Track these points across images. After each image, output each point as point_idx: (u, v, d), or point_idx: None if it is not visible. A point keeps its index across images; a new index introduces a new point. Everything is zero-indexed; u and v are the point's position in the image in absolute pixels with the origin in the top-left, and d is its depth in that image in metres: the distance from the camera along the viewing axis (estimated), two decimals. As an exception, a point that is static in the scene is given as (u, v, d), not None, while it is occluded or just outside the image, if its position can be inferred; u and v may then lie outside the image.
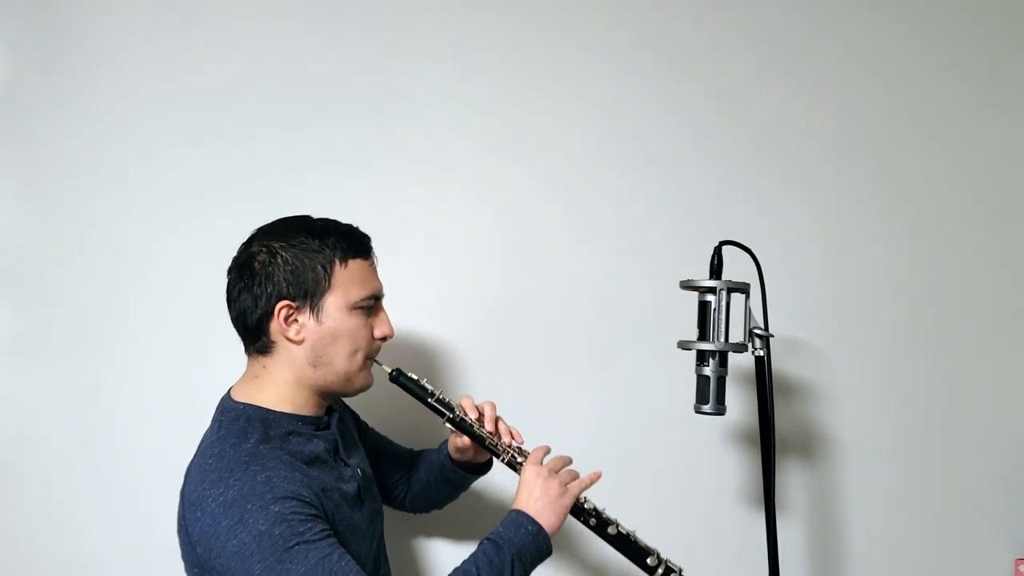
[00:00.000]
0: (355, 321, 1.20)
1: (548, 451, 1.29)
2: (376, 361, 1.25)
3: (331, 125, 1.66)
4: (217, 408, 1.22)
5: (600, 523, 1.27)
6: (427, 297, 1.67)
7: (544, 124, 1.71)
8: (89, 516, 1.59)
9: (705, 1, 1.76)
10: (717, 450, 1.74)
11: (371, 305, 1.23)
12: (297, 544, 1.05)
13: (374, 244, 1.26)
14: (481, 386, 1.68)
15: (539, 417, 1.69)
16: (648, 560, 1.27)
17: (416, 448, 1.54)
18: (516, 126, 1.71)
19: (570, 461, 1.28)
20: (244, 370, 1.24)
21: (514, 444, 1.30)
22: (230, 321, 1.22)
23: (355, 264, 1.20)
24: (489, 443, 1.29)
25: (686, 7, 1.75)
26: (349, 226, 1.23)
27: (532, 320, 1.71)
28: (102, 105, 1.60)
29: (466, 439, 1.31)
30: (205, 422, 1.24)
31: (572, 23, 1.72)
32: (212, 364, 1.58)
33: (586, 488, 1.26)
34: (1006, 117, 1.82)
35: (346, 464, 1.25)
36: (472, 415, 1.30)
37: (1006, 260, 1.82)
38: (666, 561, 1.29)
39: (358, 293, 1.20)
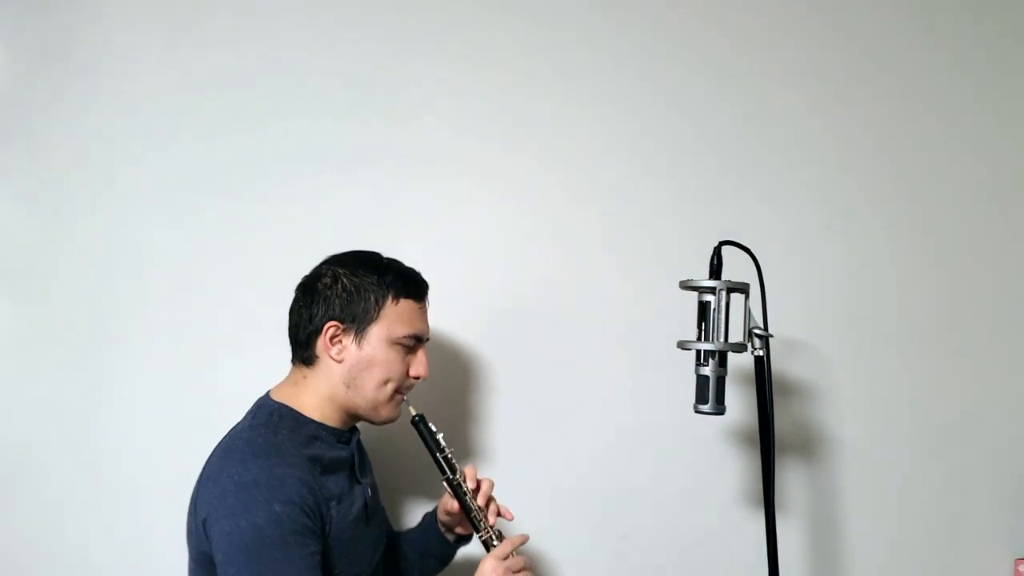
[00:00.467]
0: (392, 354, 1.29)
1: (523, 542, 1.31)
2: (406, 400, 1.34)
3: (336, 121, 1.66)
4: (255, 404, 1.31)
5: None
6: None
7: (544, 124, 1.71)
8: (88, 517, 1.58)
9: (708, 2, 1.76)
10: (716, 450, 1.74)
11: (412, 345, 1.32)
12: (279, 552, 1.13)
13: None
14: (480, 385, 1.68)
15: (539, 417, 1.71)
16: None
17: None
18: (516, 126, 1.71)
19: (525, 569, 1.29)
20: (286, 376, 1.33)
21: (495, 527, 1.34)
22: (286, 331, 1.32)
23: (406, 304, 1.30)
24: (474, 516, 1.34)
25: (688, 7, 1.75)
26: (411, 269, 1.34)
27: (532, 320, 1.71)
28: (102, 105, 1.61)
29: (456, 504, 1.36)
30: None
31: (573, 22, 1.72)
32: (212, 364, 1.60)
33: None
34: (1011, 117, 1.82)
35: (359, 481, 1.33)
36: (470, 484, 1.35)
37: (1006, 260, 1.82)
38: None
39: (402, 330, 1.29)
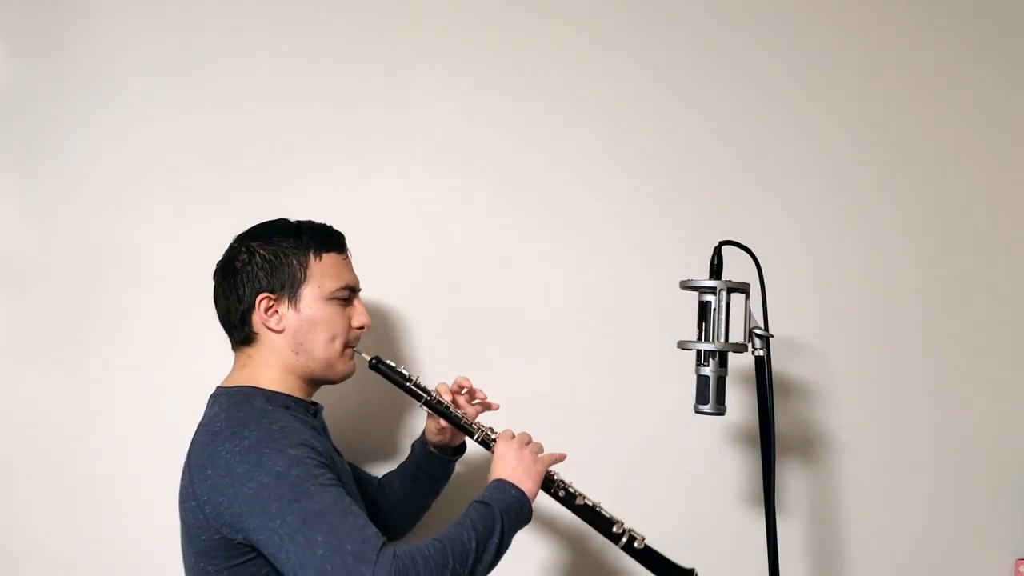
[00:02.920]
0: (331, 310, 1.28)
1: (513, 433, 1.35)
2: (356, 350, 1.33)
3: (337, 115, 1.66)
4: (211, 398, 1.28)
5: (568, 496, 1.35)
6: (423, 295, 1.67)
7: (544, 122, 1.71)
8: (82, 518, 1.58)
9: (708, 1, 1.76)
10: (717, 450, 1.74)
11: (347, 296, 1.30)
12: (313, 485, 1.09)
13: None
14: (479, 385, 1.68)
15: (539, 417, 1.70)
16: (614, 528, 1.34)
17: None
18: (517, 124, 1.71)
19: (534, 441, 1.35)
20: (232, 365, 1.30)
21: (485, 424, 1.37)
22: (218, 320, 1.29)
23: (329, 258, 1.29)
24: (464, 423, 1.36)
25: (693, 5, 1.75)
26: (323, 224, 1.32)
27: (532, 320, 1.71)
28: (99, 103, 1.60)
29: (443, 421, 1.38)
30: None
31: (576, 20, 1.72)
32: (212, 364, 1.59)
33: (555, 461, 1.35)
34: (1007, 118, 1.82)
35: (336, 451, 1.32)
36: (447, 398, 1.38)
37: (1006, 260, 1.82)
38: (629, 530, 1.35)
39: (332, 284, 1.28)
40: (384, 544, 1.07)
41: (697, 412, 1.34)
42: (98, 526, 1.59)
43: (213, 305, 1.30)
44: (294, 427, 1.17)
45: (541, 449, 1.33)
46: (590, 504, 1.35)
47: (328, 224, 1.32)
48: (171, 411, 1.58)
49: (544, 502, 1.35)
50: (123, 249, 1.61)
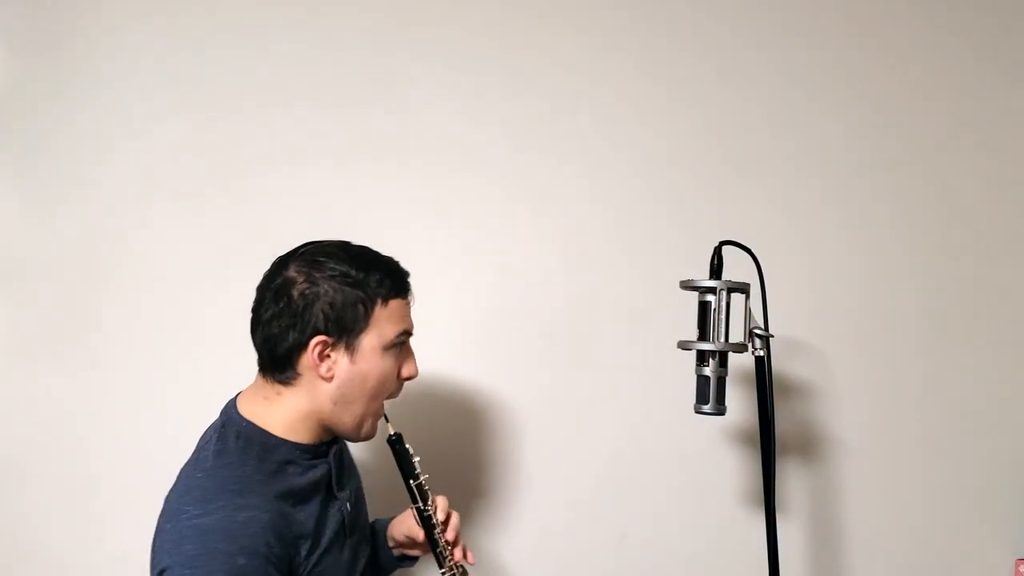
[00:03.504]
0: (388, 363, 1.17)
1: None
2: (385, 415, 1.24)
3: (339, 115, 1.65)
4: (221, 415, 1.20)
5: None
6: (422, 296, 1.67)
7: (544, 123, 1.71)
8: (81, 520, 1.58)
9: (708, 1, 1.76)
10: (717, 450, 1.74)
11: (403, 341, 1.20)
12: None
13: (372, 241, 1.25)
14: (479, 386, 1.68)
15: (538, 417, 1.70)
16: None
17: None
18: (518, 123, 1.70)
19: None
20: (253, 383, 1.20)
21: (459, 565, 1.28)
22: (251, 337, 1.17)
23: (395, 304, 1.17)
24: (440, 551, 1.26)
25: (695, 5, 1.75)
26: (392, 261, 1.20)
27: (532, 320, 1.70)
28: (99, 103, 1.60)
29: (422, 533, 1.28)
30: (200, 426, 1.23)
31: (578, 19, 1.72)
32: (212, 365, 1.59)
33: None
34: (1007, 119, 1.82)
35: (335, 497, 1.22)
36: (441, 516, 1.28)
37: (1006, 260, 1.82)
38: None
39: (393, 331, 1.16)
40: None
41: (697, 412, 1.34)
42: (98, 526, 1.58)
43: (250, 324, 1.16)
44: (262, 523, 1.06)
45: None
46: None
47: (396, 261, 1.21)
48: (171, 411, 1.58)
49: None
50: (124, 249, 1.61)
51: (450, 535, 1.27)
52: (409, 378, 1.22)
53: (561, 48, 1.72)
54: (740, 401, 1.66)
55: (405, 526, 1.33)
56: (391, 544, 1.38)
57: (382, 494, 1.41)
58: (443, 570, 1.27)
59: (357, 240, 1.29)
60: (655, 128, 1.74)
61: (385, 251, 1.23)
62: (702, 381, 1.34)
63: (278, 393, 1.16)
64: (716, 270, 1.35)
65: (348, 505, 1.24)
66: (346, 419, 1.17)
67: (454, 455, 1.57)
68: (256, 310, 1.16)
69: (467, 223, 1.69)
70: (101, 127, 1.60)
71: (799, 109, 1.78)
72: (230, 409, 1.19)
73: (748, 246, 1.35)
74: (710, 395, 1.33)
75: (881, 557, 1.78)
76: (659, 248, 1.73)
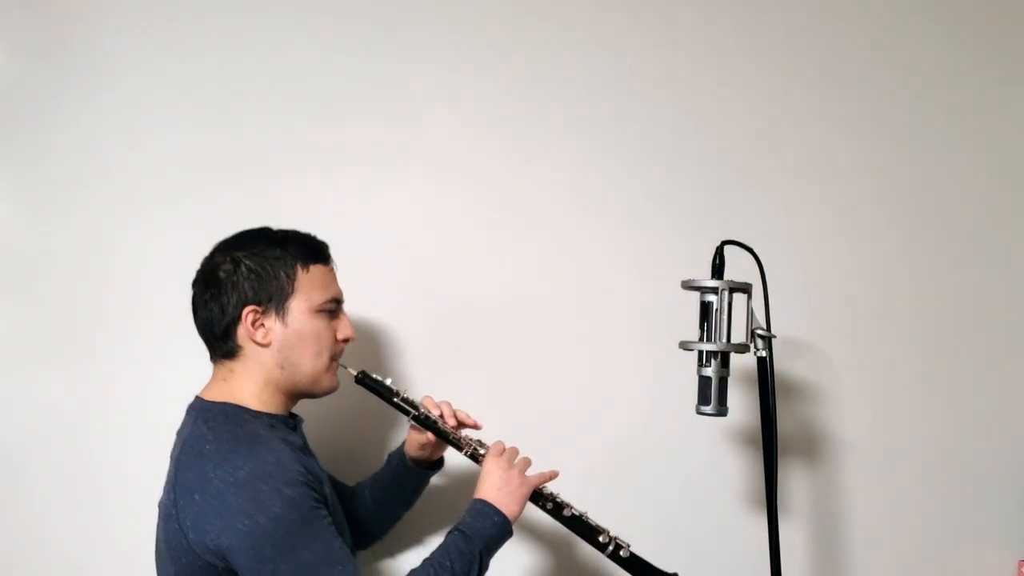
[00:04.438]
0: (319, 323, 1.26)
1: (504, 446, 1.35)
2: (341, 364, 1.32)
3: (334, 119, 1.65)
4: (189, 411, 1.26)
5: (556, 507, 1.35)
6: (423, 296, 1.67)
7: (544, 123, 1.71)
8: (81, 519, 1.58)
9: (708, 3, 1.75)
10: (719, 451, 1.74)
11: (333, 308, 1.29)
12: (308, 532, 1.11)
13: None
14: (480, 387, 1.68)
15: (539, 418, 1.70)
16: (600, 538, 1.36)
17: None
18: (516, 125, 1.70)
19: (523, 456, 1.35)
20: (210, 378, 1.28)
21: (475, 437, 1.37)
22: (195, 327, 1.27)
23: (316, 269, 1.27)
24: (453, 437, 1.36)
25: (693, 6, 1.75)
26: (308, 234, 1.29)
27: (532, 320, 1.70)
28: (98, 103, 1.60)
29: (429, 435, 1.37)
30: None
31: (577, 21, 1.72)
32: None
33: (544, 481, 1.35)
34: (1011, 118, 1.82)
35: (320, 467, 1.31)
36: (435, 412, 1.38)
37: (1008, 260, 1.82)
38: (615, 538, 1.37)
39: (320, 296, 1.26)
40: None
41: (699, 413, 1.34)
42: (99, 526, 1.59)
43: (192, 317, 1.27)
44: (288, 459, 1.15)
45: (528, 465, 1.34)
46: (577, 514, 1.37)
47: (313, 234, 1.30)
48: (171, 412, 1.57)
49: (531, 511, 1.35)
50: (124, 249, 1.61)
51: (451, 421, 1.38)
52: (346, 340, 1.30)
53: (561, 50, 1.72)
54: (742, 402, 1.65)
55: (413, 441, 1.41)
56: (413, 465, 1.44)
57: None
58: (463, 450, 1.36)
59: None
60: (656, 128, 1.74)
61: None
62: (704, 382, 1.33)
63: (231, 371, 1.25)
64: (718, 270, 1.35)
65: (326, 471, 1.34)
66: (299, 379, 1.25)
67: (455, 456, 1.57)
68: (194, 301, 1.27)
69: (467, 225, 1.69)
70: (101, 128, 1.60)
71: (801, 109, 1.77)
72: (196, 403, 1.26)
73: (750, 246, 1.35)
74: (712, 396, 1.32)
75: (883, 557, 1.77)
76: (660, 248, 1.73)
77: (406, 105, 1.67)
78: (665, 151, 1.74)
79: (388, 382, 1.36)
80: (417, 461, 1.44)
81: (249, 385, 1.24)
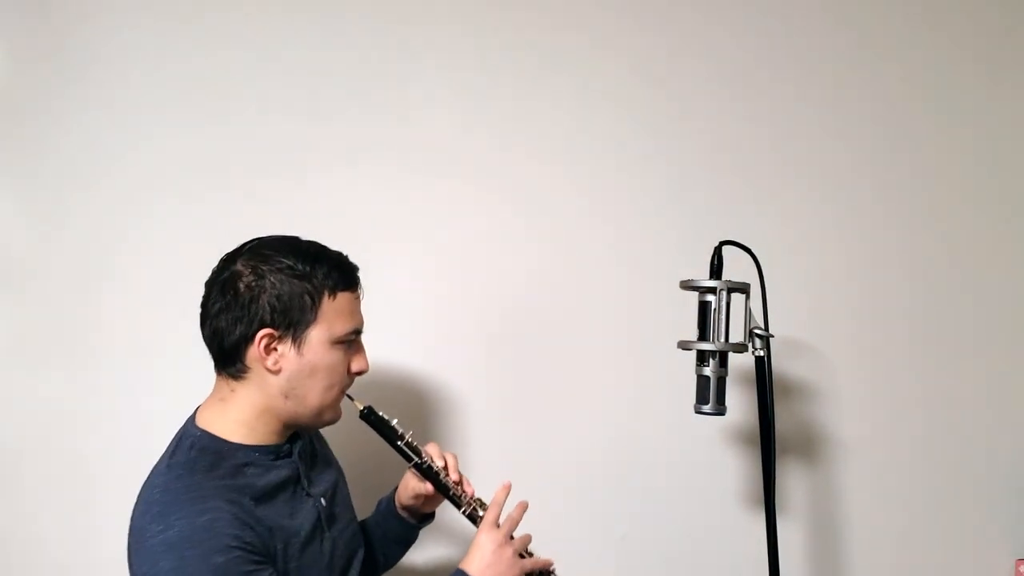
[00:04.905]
0: (335, 356, 1.16)
1: (502, 505, 1.26)
2: (348, 396, 1.23)
3: (335, 119, 1.65)
4: (180, 429, 1.20)
5: None
6: (423, 297, 1.67)
7: (544, 124, 1.71)
8: (79, 520, 1.58)
9: (707, 3, 1.76)
10: (717, 450, 1.74)
11: (353, 339, 1.19)
12: None
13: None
14: (480, 386, 1.68)
15: (539, 418, 1.70)
16: None
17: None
18: (517, 125, 1.70)
19: (524, 534, 1.27)
20: (213, 387, 1.20)
21: (476, 497, 1.29)
22: (200, 332, 1.18)
23: (343, 297, 1.16)
24: (453, 493, 1.28)
25: (692, 6, 1.75)
26: (340, 255, 1.19)
27: (531, 320, 1.70)
28: (98, 104, 1.60)
29: (428, 486, 1.29)
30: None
31: (576, 21, 1.72)
32: (212, 369, 1.59)
33: (536, 568, 1.25)
34: (1008, 119, 1.82)
35: (307, 494, 1.21)
36: (439, 463, 1.29)
37: (1006, 261, 1.82)
38: None
39: (342, 328, 1.16)
40: None
41: (697, 412, 1.34)
42: (97, 526, 1.58)
43: (199, 319, 1.17)
44: (224, 522, 1.05)
45: (527, 543, 1.26)
46: None
47: (345, 255, 1.20)
48: (171, 411, 1.57)
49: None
50: (124, 250, 1.60)
51: (454, 476, 1.29)
52: (359, 373, 1.21)
53: (560, 50, 1.72)
54: (740, 401, 1.66)
55: (410, 488, 1.33)
56: (404, 514, 1.37)
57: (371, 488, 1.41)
58: (462, 508, 1.28)
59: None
60: (656, 128, 1.74)
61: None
62: (702, 381, 1.34)
63: (232, 390, 1.16)
64: (716, 270, 1.35)
65: (323, 500, 1.23)
66: (302, 411, 1.17)
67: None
68: (204, 305, 1.16)
69: (467, 225, 1.69)
70: (101, 128, 1.60)
71: (799, 109, 1.78)
72: (187, 422, 1.19)
73: (748, 246, 1.35)
74: (710, 395, 1.33)
75: (880, 556, 1.78)
76: (659, 248, 1.73)
77: (404, 105, 1.67)
78: (664, 152, 1.74)
79: (394, 423, 1.27)
80: (408, 510, 1.36)
81: (243, 412, 1.15)
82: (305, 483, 1.21)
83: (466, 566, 1.18)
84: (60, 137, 1.59)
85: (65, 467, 1.58)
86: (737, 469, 1.74)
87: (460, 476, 1.30)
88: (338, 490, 1.31)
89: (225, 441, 1.14)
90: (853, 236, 1.78)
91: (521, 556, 1.24)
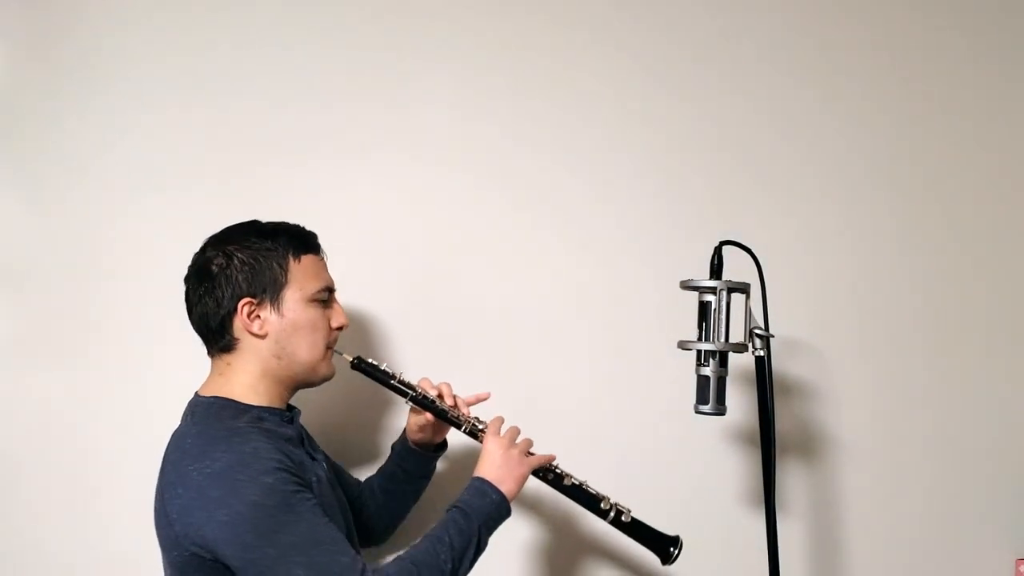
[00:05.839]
0: (313, 312, 1.27)
1: (503, 421, 1.36)
2: (337, 351, 1.33)
3: (337, 113, 1.65)
4: (187, 406, 1.28)
5: (556, 477, 1.37)
6: (421, 294, 1.67)
7: (542, 122, 1.71)
8: (78, 519, 1.58)
9: (708, 1, 1.76)
10: (717, 450, 1.74)
11: (326, 298, 1.30)
12: (288, 514, 1.11)
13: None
14: (476, 384, 1.67)
15: (539, 417, 1.70)
16: (601, 505, 1.38)
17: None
18: (515, 123, 1.70)
19: (523, 433, 1.36)
20: (209, 373, 1.29)
21: (473, 415, 1.39)
22: (190, 324, 1.29)
23: (307, 259, 1.28)
24: (451, 415, 1.37)
25: (694, 5, 1.75)
26: (296, 225, 1.31)
27: (532, 320, 1.70)
28: (97, 102, 1.60)
29: (428, 416, 1.38)
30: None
31: (579, 19, 1.72)
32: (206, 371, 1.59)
33: (542, 464, 1.35)
34: (1007, 119, 1.82)
35: (313, 457, 1.31)
36: (432, 393, 1.39)
37: (1006, 260, 1.82)
38: (616, 504, 1.39)
39: (313, 286, 1.27)
40: (362, 570, 1.10)
41: (697, 412, 1.34)
42: (97, 526, 1.58)
43: (187, 314, 1.28)
44: (266, 448, 1.15)
45: (529, 446, 1.34)
46: (577, 483, 1.38)
47: (301, 225, 1.31)
48: (171, 412, 1.57)
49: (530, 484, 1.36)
50: (123, 249, 1.61)
51: (449, 401, 1.39)
52: (340, 328, 1.32)
53: (561, 47, 1.72)
54: (740, 401, 1.66)
55: (413, 423, 1.43)
56: (418, 449, 1.45)
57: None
58: (462, 428, 1.37)
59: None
60: (655, 128, 1.74)
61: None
62: (702, 381, 1.34)
63: (228, 364, 1.26)
64: (716, 270, 1.35)
65: (325, 464, 1.34)
66: (296, 368, 1.27)
67: (455, 457, 1.57)
68: (187, 298, 1.28)
69: (466, 222, 1.69)
70: (100, 127, 1.60)
71: (800, 109, 1.78)
72: (192, 399, 1.28)
73: (748, 246, 1.35)
74: (710, 395, 1.33)
75: (881, 557, 1.78)
76: (659, 248, 1.73)
77: (405, 99, 1.67)
78: (664, 151, 1.74)
79: (384, 366, 1.37)
80: (420, 445, 1.45)
81: (245, 378, 1.25)
82: (310, 448, 1.32)
83: (480, 472, 1.28)
84: (58, 136, 1.59)
85: (65, 467, 1.58)
86: (737, 469, 1.74)
87: (456, 400, 1.40)
88: (333, 466, 1.41)
89: (238, 401, 1.24)
90: (854, 236, 1.78)
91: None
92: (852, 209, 1.78)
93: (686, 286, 1.36)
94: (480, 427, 1.36)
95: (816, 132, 1.78)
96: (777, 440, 1.37)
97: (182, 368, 1.58)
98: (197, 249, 1.29)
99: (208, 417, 1.22)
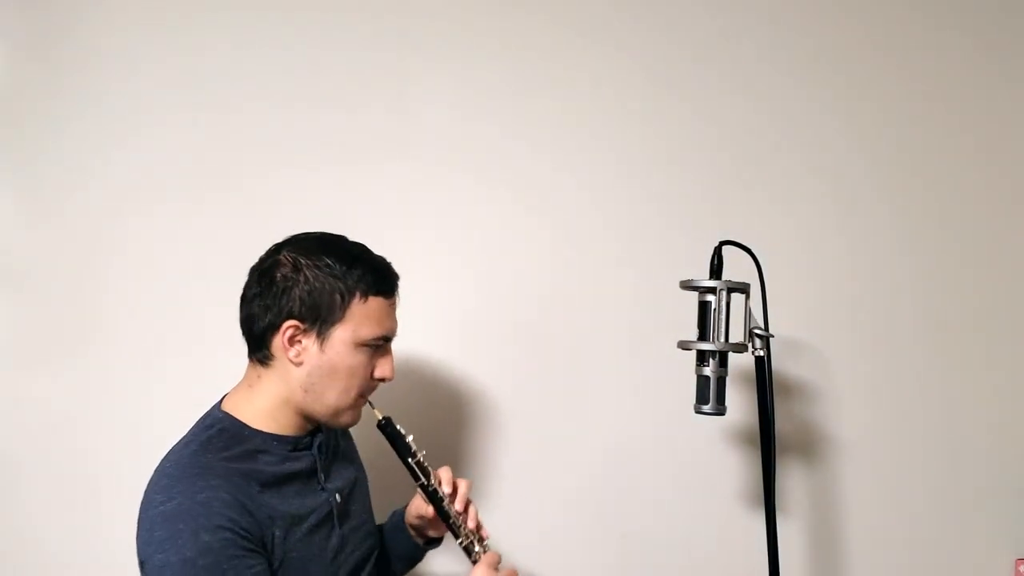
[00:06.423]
0: (358, 358, 1.17)
1: (500, 559, 1.25)
2: (369, 402, 1.24)
3: (340, 116, 1.65)
4: (206, 412, 1.21)
5: None
6: (425, 298, 1.67)
7: (543, 123, 1.71)
8: (78, 519, 1.58)
9: (708, 2, 1.76)
10: (717, 450, 1.74)
11: (380, 345, 1.19)
12: None
13: (371, 241, 1.24)
14: (480, 386, 1.68)
15: (539, 418, 1.70)
16: None
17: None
18: (516, 125, 1.70)
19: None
20: (244, 374, 1.22)
21: (475, 532, 1.27)
22: (238, 318, 1.20)
23: (375, 302, 1.17)
24: (453, 522, 1.26)
25: (689, 7, 1.75)
26: (382, 260, 1.20)
27: (531, 320, 1.70)
28: (96, 102, 1.60)
29: (430, 509, 1.27)
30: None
31: (573, 22, 1.72)
32: (212, 365, 1.59)
33: None
34: (1008, 119, 1.82)
35: (323, 488, 1.22)
36: (447, 489, 1.27)
37: (1006, 260, 1.82)
38: None
39: (369, 332, 1.17)
40: None
41: (697, 412, 1.34)
42: (97, 526, 1.58)
43: (239, 302, 1.19)
44: (220, 502, 1.07)
45: None
46: None
47: (388, 262, 1.21)
48: (171, 411, 1.57)
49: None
50: (124, 249, 1.61)
51: (459, 505, 1.27)
52: (383, 380, 1.21)
53: (561, 49, 1.72)
54: (740, 401, 1.66)
55: (415, 508, 1.33)
56: (411, 532, 1.36)
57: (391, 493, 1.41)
58: (459, 540, 1.25)
59: (358, 238, 1.29)
60: (656, 128, 1.74)
61: (385, 251, 1.23)
62: (702, 381, 1.34)
63: (259, 376, 1.19)
64: (716, 270, 1.35)
65: (338, 496, 1.24)
66: (318, 408, 1.18)
67: (455, 457, 1.57)
68: (245, 289, 1.19)
69: (466, 223, 1.69)
70: (101, 127, 1.60)
71: (799, 109, 1.78)
72: (214, 407, 1.21)
73: (748, 246, 1.35)
74: (710, 395, 1.33)
75: (881, 557, 1.78)
76: (659, 248, 1.73)
77: (406, 101, 1.67)
78: (664, 151, 1.74)
79: (409, 439, 1.25)
80: (415, 529, 1.36)
81: (266, 401, 1.17)
82: (321, 477, 1.22)
83: None
84: (58, 136, 1.59)
85: (65, 467, 1.59)
86: (737, 469, 1.74)
87: (467, 505, 1.28)
88: (356, 488, 1.31)
89: (246, 426, 1.16)
90: (853, 236, 1.78)
91: None
92: (852, 209, 1.78)
93: (686, 286, 1.36)
94: (477, 548, 1.25)
95: (816, 132, 1.78)
96: (777, 440, 1.37)
97: (182, 368, 1.60)
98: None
99: (201, 440, 1.15)
